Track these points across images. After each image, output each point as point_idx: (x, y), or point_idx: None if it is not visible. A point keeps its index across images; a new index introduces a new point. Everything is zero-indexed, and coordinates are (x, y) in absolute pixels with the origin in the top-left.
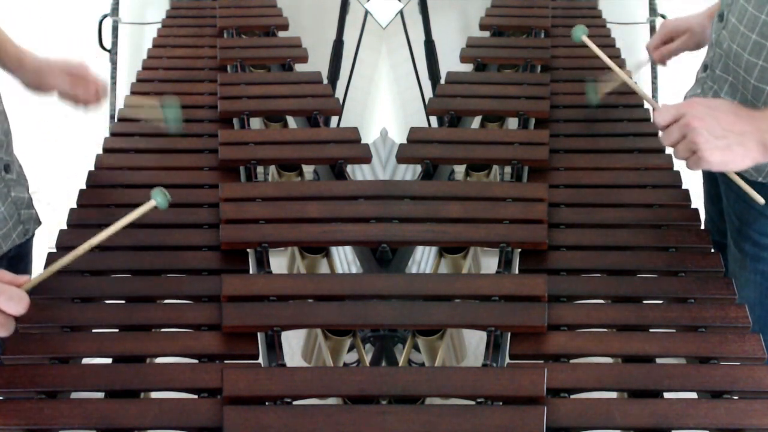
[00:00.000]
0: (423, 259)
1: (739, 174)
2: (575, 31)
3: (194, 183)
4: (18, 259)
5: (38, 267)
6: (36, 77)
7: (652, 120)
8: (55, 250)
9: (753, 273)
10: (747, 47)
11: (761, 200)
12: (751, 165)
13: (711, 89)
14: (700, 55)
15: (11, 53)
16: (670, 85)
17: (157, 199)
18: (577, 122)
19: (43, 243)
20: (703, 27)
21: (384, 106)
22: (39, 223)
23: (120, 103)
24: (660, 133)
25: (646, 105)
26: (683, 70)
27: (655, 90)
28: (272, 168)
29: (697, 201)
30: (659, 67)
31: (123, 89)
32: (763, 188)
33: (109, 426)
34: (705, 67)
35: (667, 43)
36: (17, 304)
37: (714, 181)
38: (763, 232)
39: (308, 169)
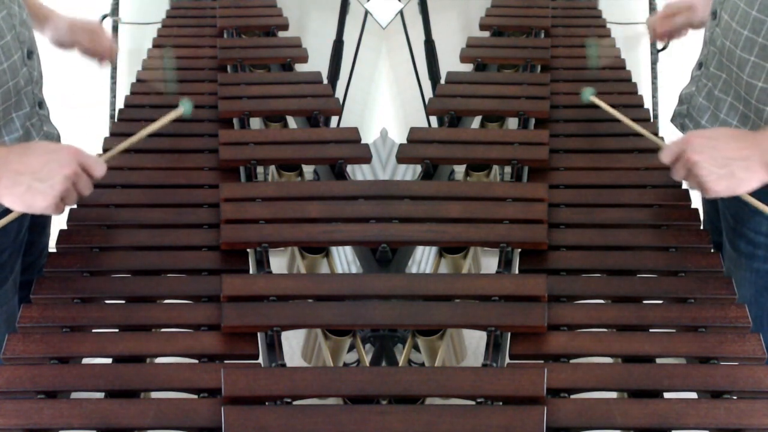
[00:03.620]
0: (423, 259)
1: None
2: (584, 93)
3: (194, 183)
4: (39, 229)
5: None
6: (60, 34)
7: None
8: (54, 250)
9: (748, 271)
10: (739, 43)
11: None
12: (759, 186)
13: (705, 86)
14: (697, 50)
15: (40, 12)
16: (670, 85)
17: (185, 106)
18: (577, 122)
19: None
20: (707, 3)
21: (384, 106)
22: None
23: (120, 103)
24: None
25: (647, 105)
26: (683, 69)
27: (655, 90)
28: (272, 168)
29: (697, 201)
30: (659, 67)
31: (123, 89)
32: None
33: (109, 426)
34: (700, 65)
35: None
36: (101, 167)
37: None
38: (758, 231)
39: (308, 169)
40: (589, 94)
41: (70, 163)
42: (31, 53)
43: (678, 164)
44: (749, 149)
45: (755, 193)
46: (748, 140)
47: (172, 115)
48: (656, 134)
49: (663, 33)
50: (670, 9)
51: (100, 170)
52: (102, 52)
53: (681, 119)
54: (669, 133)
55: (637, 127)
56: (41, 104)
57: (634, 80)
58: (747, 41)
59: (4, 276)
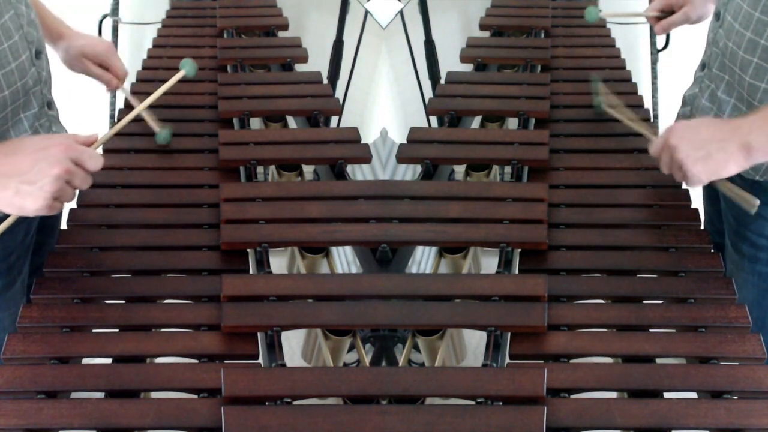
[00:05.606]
0: (423, 259)
1: (736, 175)
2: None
3: (194, 183)
4: (49, 230)
5: None
6: (71, 61)
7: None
8: (55, 251)
9: (750, 274)
10: (742, 45)
11: (756, 201)
12: (737, 170)
13: (708, 88)
14: (699, 55)
15: (52, 28)
16: (670, 85)
17: (186, 68)
18: (577, 122)
19: None
20: (704, 0)
21: (384, 106)
22: None
23: (120, 103)
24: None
25: (647, 105)
26: (683, 69)
27: (655, 90)
28: (272, 168)
29: (697, 201)
30: (659, 67)
31: None
32: (761, 186)
33: (109, 426)
34: (703, 66)
35: (666, 14)
36: (96, 161)
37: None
38: (761, 233)
39: (308, 169)
40: (595, 14)
41: (60, 161)
42: (39, 53)
43: (663, 153)
44: (727, 132)
45: (755, 187)
46: (728, 124)
47: (175, 78)
48: (656, 135)
49: (660, 30)
50: (666, 3)
51: (95, 164)
52: (110, 80)
53: (685, 121)
54: None
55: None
56: (50, 104)
57: (634, 80)
58: (750, 43)
59: (12, 278)
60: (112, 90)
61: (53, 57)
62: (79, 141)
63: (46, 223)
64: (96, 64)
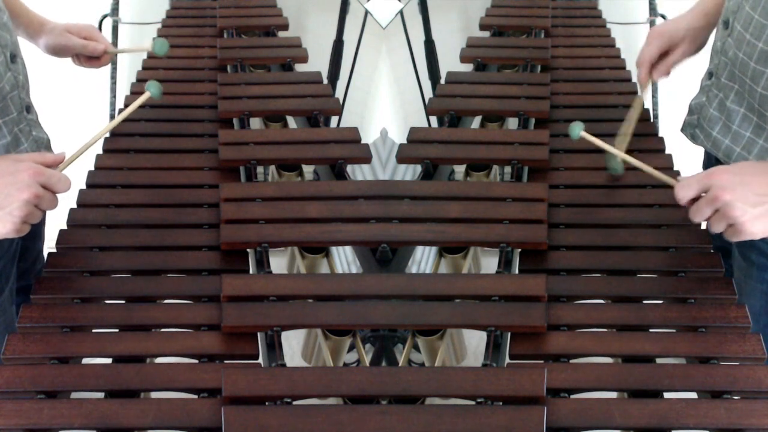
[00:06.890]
0: (423, 259)
1: None
2: (572, 129)
3: (194, 183)
4: (33, 235)
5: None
6: (56, 38)
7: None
8: (54, 250)
9: (759, 282)
10: (753, 56)
11: None
12: None
13: (716, 97)
14: (699, 56)
15: (34, 19)
16: (670, 85)
17: (152, 90)
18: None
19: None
20: (697, 30)
21: (384, 106)
22: None
23: (120, 103)
24: (681, 197)
25: (647, 105)
26: (683, 69)
27: (655, 90)
28: (272, 168)
29: None
30: None
31: (123, 89)
32: None
33: (109, 426)
34: (710, 74)
35: (664, 56)
36: (64, 183)
37: None
38: None
39: (308, 169)
40: (578, 130)
41: (29, 185)
42: (14, 57)
43: (702, 204)
44: None
45: None
46: None
47: (140, 100)
48: (656, 135)
49: (665, 72)
50: (663, 44)
51: (63, 186)
52: (95, 47)
53: (691, 129)
54: (668, 134)
55: (648, 168)
56: (29, 108)
57: (634, 80)
58: (762, 54)
59: (0, 287)
60: (100, 62)
61: (43, 60)
62: (47, 162)
63: (31, 229)
64: (80, 44)
